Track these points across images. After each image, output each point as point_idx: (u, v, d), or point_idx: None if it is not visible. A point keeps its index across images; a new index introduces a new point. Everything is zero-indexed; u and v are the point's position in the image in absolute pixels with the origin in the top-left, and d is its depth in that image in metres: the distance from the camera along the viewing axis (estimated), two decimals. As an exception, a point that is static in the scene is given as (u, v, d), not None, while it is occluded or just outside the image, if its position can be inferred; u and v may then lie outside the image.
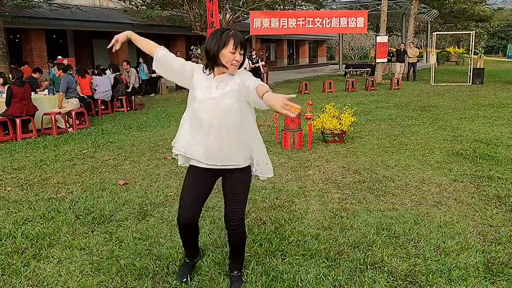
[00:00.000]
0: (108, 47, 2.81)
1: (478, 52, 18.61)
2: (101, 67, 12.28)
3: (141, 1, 20.37)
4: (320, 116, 7.42)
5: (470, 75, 18.28)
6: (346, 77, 24.20)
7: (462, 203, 4.47)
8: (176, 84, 13.66)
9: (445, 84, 18.31)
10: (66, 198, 4.93)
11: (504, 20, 47.73)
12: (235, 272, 2.92)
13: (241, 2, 21.25)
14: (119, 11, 23.87)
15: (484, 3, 27.29)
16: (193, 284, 2.96)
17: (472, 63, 18.81)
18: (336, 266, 3.15)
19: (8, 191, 5.28)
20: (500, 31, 48.52)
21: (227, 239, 2.93)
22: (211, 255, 3.38)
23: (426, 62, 35.00)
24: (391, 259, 3.26)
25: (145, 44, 2.84)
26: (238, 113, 2.57)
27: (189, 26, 20.72)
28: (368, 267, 3.14)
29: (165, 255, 3.38)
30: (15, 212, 4.51)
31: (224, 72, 2.59)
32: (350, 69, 26.06)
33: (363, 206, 4.44)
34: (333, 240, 3.60)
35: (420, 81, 20.15)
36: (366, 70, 25.64)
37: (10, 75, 8.49)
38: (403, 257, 3.29)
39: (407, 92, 15.69)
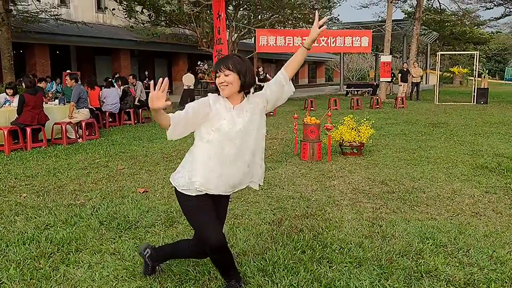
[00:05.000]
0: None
1: (482, 72, 18.69)
2: (109, 80, 12.14)
3: (148, 18, 20.40)
4: (339, 127, 7.29)
5: (474, 95, 18.31)
6: (348, 96, 24.25)
7: (501, 214, 4.31)
8: (180, 101, 13.29)
9: (449, 103, 18.31)
10: (86, 204, 4.73)
11: (501, 43, 48.39)
12: (233, 281, 2.76)
13: (245, 21, 21.38)
14: (122, 28, 23.95)
15: (485, 25, 27.71)
16: (241, 290, 2.76)
17: (476, 83, 18.87)
18: (389, 274, 2.96)
19: (24, 197, 5.07)
20: (497, 55, 49.12)
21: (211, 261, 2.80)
22: (251, 261, 3.19)
23: (426, 83, 35.21)
24: (445, 267, 3.07)
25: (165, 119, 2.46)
26: (257, 134, 2.62)
27: (195, 43, 20.76)
28: (423, 275, 2.96)
29: (203, 261, 3.18)
30: (35, 218, 4.30)
31: (239, 99, 2.59)
32: (351, 89, 26.11)
33: (399, 216, 4.26)
34: (378, 248, 3.42)
35: (423, 101, 20.17)
36: (368, 90, 25.70)
37: (23, 84, 8.33)
38: (457, 266, 3.11)
39: (413, 111, 15.64)
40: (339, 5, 20.72)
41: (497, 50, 47.85)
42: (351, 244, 3.50)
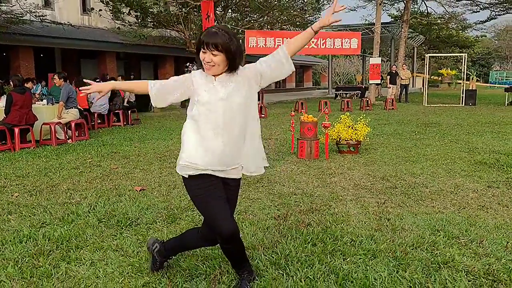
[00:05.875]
0: (84, 92, 2.54)
1: (471, 74, 18.86)
2: (97, 80, 11.92)
3: (135, 19, 20.15)
4: (336, 126, 7.22)
5: (462, 97, 18.45)
6: (337, 99, 24.29)
7: (508, 207, 4.26)
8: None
9: (437, 105, 18.44)
10: (82, 203, 4.56)
11: (485, 48, 49.09)
12: (245, 273, 2.64)
13: (234, 23, 21.29)
14: (108, 31, 23.65)
15: (471, 28, 28.12)
16: (256, 285, 2.64)
17: (464, 85, 19.04)
18: (406, 265, 2.87)
19: (16, 197, 4.87)
20: (481, 59, 49.79)
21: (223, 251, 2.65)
22: (262, 255, 3.07)
23: (412, 86, 35.49)
24: (461, 258, 2.99)
25: (133, 86, 2.63)
26: (246, 109, 2.47)
27: (183, 45, 20.58)
28: (441, 266, 2.87)
29: (212, 256, 3.05)
30: (30, 216, 4.12)
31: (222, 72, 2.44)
32: (340, 92, 26.18)
33: (405, 210, 4.19)
34: (389, 241, 3.33)
35: (412, 103, 20.29)
36: (356, 93, 25.80)
37: (11, 83, 8.08)
38: (473, 257, 3.03)
39: (403, 112, 15.69)
40: (329, 6, 20.65)
41: (482, 54, 48.52)
42: (362, 237, 3.40)
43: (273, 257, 3.00)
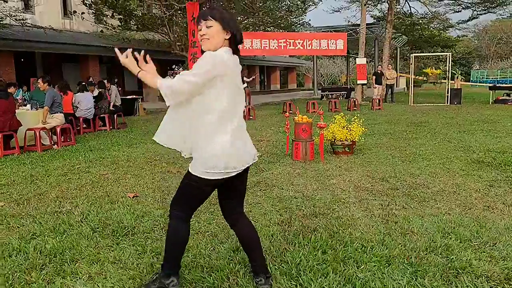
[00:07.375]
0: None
1: (456, 73, 19.00)
2: (83, 83, 11.61)
3: (118, 22, 19.79)
4: (330, 126, 7.10)
5: (448, 96, 18.57)
6: (323, 100, 24.28)
7: (513, 207, 4.17)
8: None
9: (423, 104, 18.52)
10: (73, 211, 4.33)
11: (465, 47, 49.82)
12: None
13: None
14: (91, 35, 23.21)
15: (454, 28, 28.41)
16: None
17: (449, 83, 19.17)
18: (424, 272, 2.74)
19: (2, 206, 4.62)
20: (462, 58, 50.50)
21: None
22: (270, 265, 2.90)
23: (396, 86, 35.72)
24: (479, 263, 2.87)
25: None
26: None
27: (169, 47, 20.30)
28: (460, 272, 2.74)
29: (218, 266, 2.88)
30: (18, 227, 3.89)
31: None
32: (326, 92, 26.17)
33: (410, 212, 4.07)
34: (401, 246, 3.20)
35: (398, 103, 20.36)
36: (342, 93, 25.84)
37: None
38: (490, 261, 2.92)
39: (390, 112, 15.69)
40: (315, 7, 20.56)
41: (462, 53, 49.17)
42: (372, 242, 3.26)
43: (283, 267, 2.84)
